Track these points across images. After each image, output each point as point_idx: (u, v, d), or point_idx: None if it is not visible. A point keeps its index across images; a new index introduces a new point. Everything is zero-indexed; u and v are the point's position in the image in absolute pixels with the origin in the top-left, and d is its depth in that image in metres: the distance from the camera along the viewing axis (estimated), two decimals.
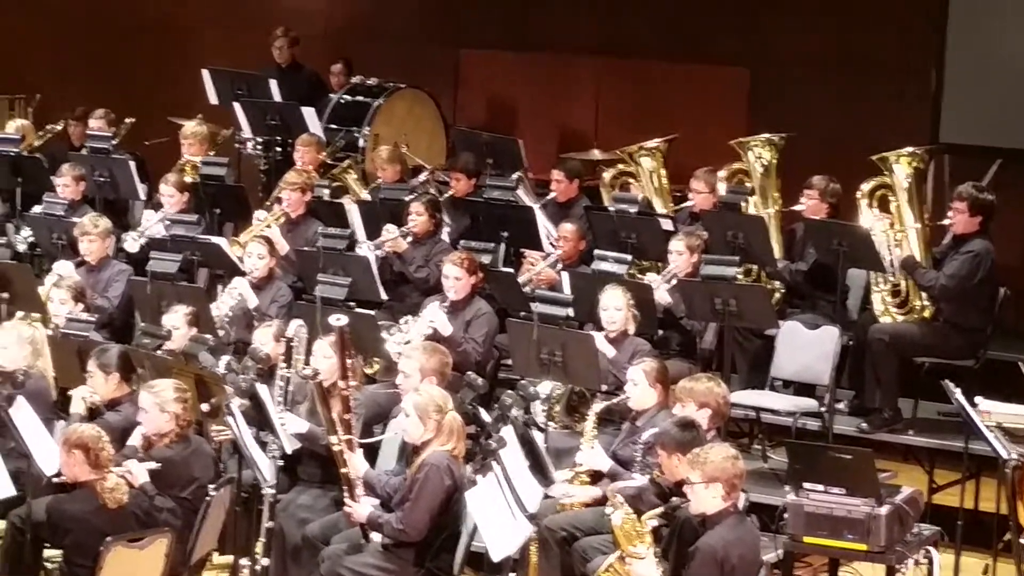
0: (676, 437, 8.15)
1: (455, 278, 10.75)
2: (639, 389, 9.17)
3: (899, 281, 11.21)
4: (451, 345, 10.32)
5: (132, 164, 13.57)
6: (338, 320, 9.01)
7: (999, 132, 12.91)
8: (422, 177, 13.53)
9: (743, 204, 12.09)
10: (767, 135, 12.44)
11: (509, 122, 15.13)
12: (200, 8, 16.41)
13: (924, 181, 11.78)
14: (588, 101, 15.16)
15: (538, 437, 9.08)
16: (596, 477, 9.09)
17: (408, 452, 8.76)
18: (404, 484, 8.47)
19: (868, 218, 11.32)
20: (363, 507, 8.54)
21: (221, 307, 10.92)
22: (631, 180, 12.90)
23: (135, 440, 8.66)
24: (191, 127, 13.96)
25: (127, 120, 14.60)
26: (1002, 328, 11.14)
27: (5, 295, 11.14)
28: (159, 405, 8.57)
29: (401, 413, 8.77)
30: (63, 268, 11.39)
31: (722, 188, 12.22)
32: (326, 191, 12.97)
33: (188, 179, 13.09)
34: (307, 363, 9.62)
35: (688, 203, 12.37)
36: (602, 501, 8.81)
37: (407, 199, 12.32)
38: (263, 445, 9.00)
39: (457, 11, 15.48)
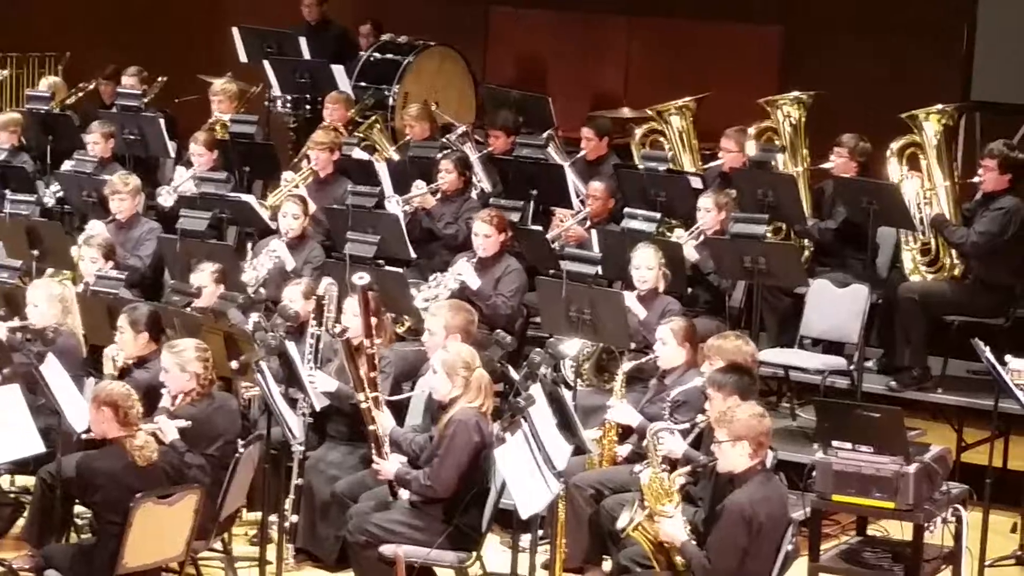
0: (735, 381, 8.13)
1: (484, 235, 10.76)
2: (668, 348, 9.15)
3: (929, 239, 11.23)
4: (480, 299, 10.39)
5: (162, 122, 13.63)
6: (361, 279, 9.04)
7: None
8: (459, 131, 13.50)
9: (772, 163, 12.07)
10: (796, 93, 12.43)
11: (539, 80, 15.12)
12: None
13: (954, 139, 11.78)
14: (618, 59, 15.15)
15: (567, 395, 9.08)
16: (625, 434, 9.10)
17: (435, 409, 8.75)
18: (432, 441, 8.49)
19: (898, 176, 11.34)
20: (391, 464, 8.55)
21: (259, 269, 10.93)
22: (662, 138, 12.89)
23: (166, 401, 8.69)
24: (220, 84, 14.00)
25: (159, 79, 14.62)
26: None
27: (35, 252, 11.20)
28: (180, 365, 8.60)
29: (429, 370, 8.79)
30: (95, 227, 11.41)
31: (751, 147, 12.19)
32: (357, 149, 12.96)
33: (218, 137, 13.10)
34: (337, 321, 9.66)
35: (717, 162, 12.36)
36: (631, 459, 8.86)
37: (437, 156, 12.32)
38: (292, 402, 9.03)
39: None
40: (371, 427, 8.62)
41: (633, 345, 9.71)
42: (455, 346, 8.78)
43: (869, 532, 8.23)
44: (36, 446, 8.37)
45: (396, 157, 13.07)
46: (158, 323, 9.40)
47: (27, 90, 15.23)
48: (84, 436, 8.37)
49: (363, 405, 8.62)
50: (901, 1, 13.60)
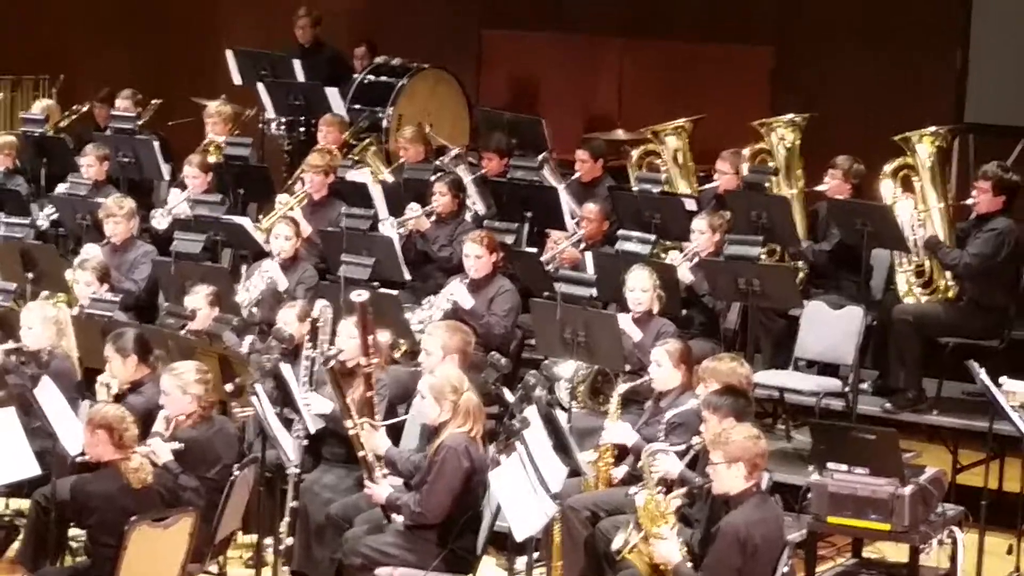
0: (730, 403, 8.14)
1: (475, 256, 10.81)
2: (663, 370, 9.16)
3: (923, 261, 11.25)
4: (474, 319, 10.41)
5: (156, 144, 13.64)
6: (359, 296, 9.15)
7: (1020, 114, 12.89)
8: (452, 153, 13.52)
9: (767, 184, 12.10)
10: (790, 116, 12.46)
11: (532, 102, 15.14)
12: None
13: (947, 161, 11.82)
14: (612, 81, 15.18)
15: (562, 417, 9.09)
16: (621, 455, 9.11)
17: (428, 432, 8.78)
18: (425, 463, 8.50)
19: (891, 198, 11.37)
20: (382, 488, 8.58)
21: (252, 290, 10.95)
22: (657, 160, 12.92)
23: (159, 425, 8.68)
24: (215, 106, 14.03)
25: (153, 101, 14.64)
26: None
27: (30, 275, 11.20)
28: (181, 387, 8.60)
29: (424, 391, 8.80)
30: (89, 250, 11.42)
31: (745, 168, 12.23)
32: (350, 171, 12.98)
33: (212, 159, 13.13)
34: (332, 343, 9.68)
35: (713, 183, 12.41)
36: (627, 481, 8.87)
37: (431, 179, 12.34)
38: (288, 424, 9.04)
39: None
40: (360, 453, 8.66)
41: (628, 367, 9.71)
42: (443, 370, 8.80)
43: (865, 554, 8.25)
44: (31, 469, 8.38)
45: (391, 179, 13.08)
46: (146, 345, 9.38)
47: (21, 113, 15.25)
48: (79, 459, 8.39)
49: (351, 432, 8.66)
50: (894, 23, 13.64)
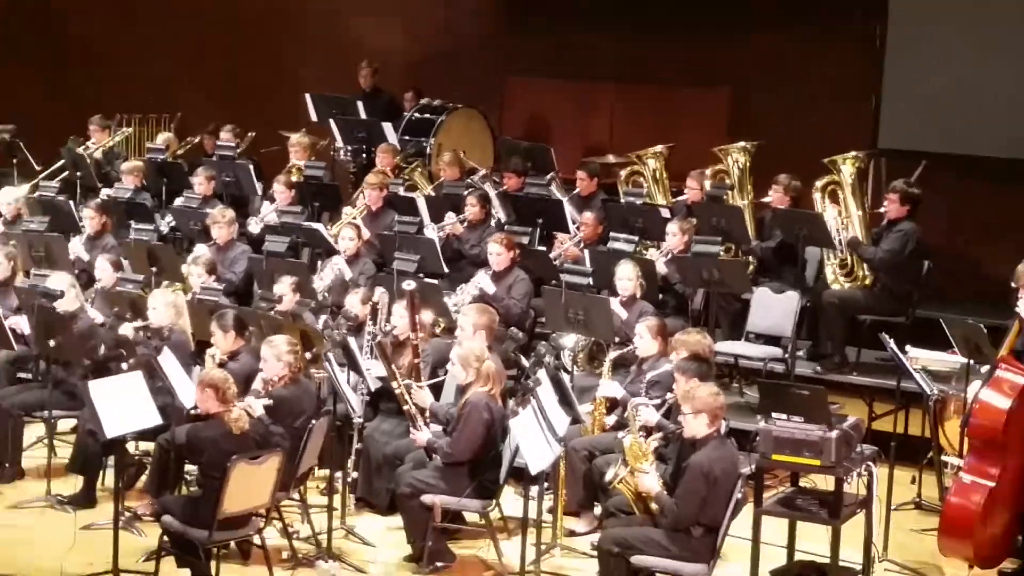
0: (696, 367, 8.22)
1: (497, 253, 10.85)
2: (644, 341, 9.18)
3: (846, 256, 11.36)
4: (496, 302, 10.41)
5: (251, 167, 13.69)
6: (408, 284, 9.30)
7: (925, 139, 12.85)
8: (481, 174, 13.51)
9: (724, 197, 12.14)
10: (742, 143, 12.54)
11: (543, 133, 15.11)
12: (304, 46, 16.42)
13: (865, 178, 11.84)
14: (605, 116, 15.15)
15: (565, 378, 9.09)
16: (612, 406, 9.10)
17: (459, 391, 8.81)
18: (456, 414, 8.54)
19: (821, 207, 11.39)
20: (423, 434, 8.61)
21: (325, 280, 10.95)
22: (640, 178, 12.94)
23: (258, 384, 8.71)
24: (296, 138, 14.04)
25: (249, 134, 14.66)
26: (927, 292, 11.12)
27: (154, 269, 11.24)
28: (276, 355, 8.62)
29: (457, 357, 8.82)
30: (200, 250, 11.45)
31: (708, 184, 12.26)
32: (401, 188, 13.00)
33: (294, 179, 13.16)
34: (387, 321, 9.72)
35: (683, 196, 12.42)
36: (616, 427, 8.87)
37: (464, 193, 12.35)
38: (357, 387, 9.07)
39: (503, 47, 15.45)
40: (405, 407, 8.70)
41: (617, 339, 9.69)
42: (469, 343, 8.87)
43: (801, 484, 8.21)
44: (155, 419, 8.38)
45: (432, 194, 13.08)
46: (242, 323, 9.41)
47: (147, 143, 15.28)
48: (192, 411, 8.39)
49: (396, 391, 8.70)
50: (824, 72, 13.59)
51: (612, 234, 11.54)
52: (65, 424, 9.77)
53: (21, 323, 9.97)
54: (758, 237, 11.80)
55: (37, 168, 14.56)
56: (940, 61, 13.01)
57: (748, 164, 12.38)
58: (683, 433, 7.76)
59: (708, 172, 12.41)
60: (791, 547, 8.22)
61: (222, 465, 7.70)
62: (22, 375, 10.09)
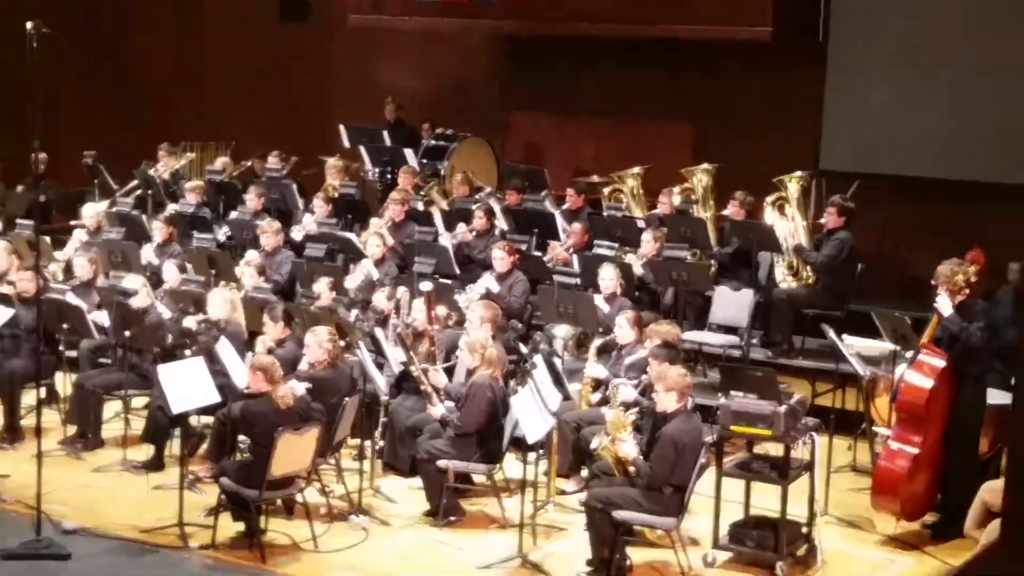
0: (667, 352, 8.27)
1: (500, 258, 10.83)
2: (623, 330, 9.20)
3: (792, 260, 11.39)
4: (500, 299, 10.39)
5: (294, 187, 13.70)
6: (426, 285, 9.46)
7: (858, 162, 12.87)
8: (486, 192, 13.51)
9: (690, 210, 12.15)
10: (704, 166, 12.60)
11: (539, 158, 15.09)
12: (338, 85, 16.42)
13: (808, 194, 11.88)
14: (591, 144, 15.12)
15: (557, 362, 9.13)
16: (597, 385, 9.11)
17: (467, 373, 8.85)
18: (466, 393, 8.56)
19: (771, 219, 11.40)
20: (438, 410, 8.65)
21: (355, 279, 10.94)
22: (621, 194, 12.96)
23: (303, 366, 8.77)
24: (333, 162, 14.04)
25: (292, 158, 14.66)
26: (860, 290, 11.14)
27: (213, 271, 11.25)
28: (318, 343, 8.67)
29: (465, 345, 8.86)
30: (251, 255, 11.46)
31: (677, 200, 12.27)
32: (420, 203, 13.00)
33: (331, 195, 13.15)
34: (408, 315, 9.75)
35: (656, 210, 12.42)
36: (600, 403, 8.87)
37: (473, 208, 12.35)
38: (380, 368, 9.08)
39: (505, 87, 15.43)
40: (422, 387, 8.74)
41: (601, 329, 9.69)
42: (475, 333, 8.92)
43: (755, 450, 8.22)
44: (214, 397, 8.40)
45: (446, 208, 13.08)
46: (289, 315, 9.48)
47: (207, 166, 15.28)
48: (245, 391, 8.41)
49: (415, 373, 8.76)
50: (772, 105, 13.57)
51: (596, 242, 11.56)
52: (138, 402, 9.78)
53: (102, 317, 9.99)
54: (718, 243, 11.80)
55: (115, 187, 14.59)
56: (870, 98, 13.03)
57: (710, 183, 12.40)
58: (656, 408, 7.78)
59: (676, 190, 12.40)
60: (747, 504, 8.23)
61: (270, 435, 7.73)
62: (102, 360, 10.11)
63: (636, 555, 7.85)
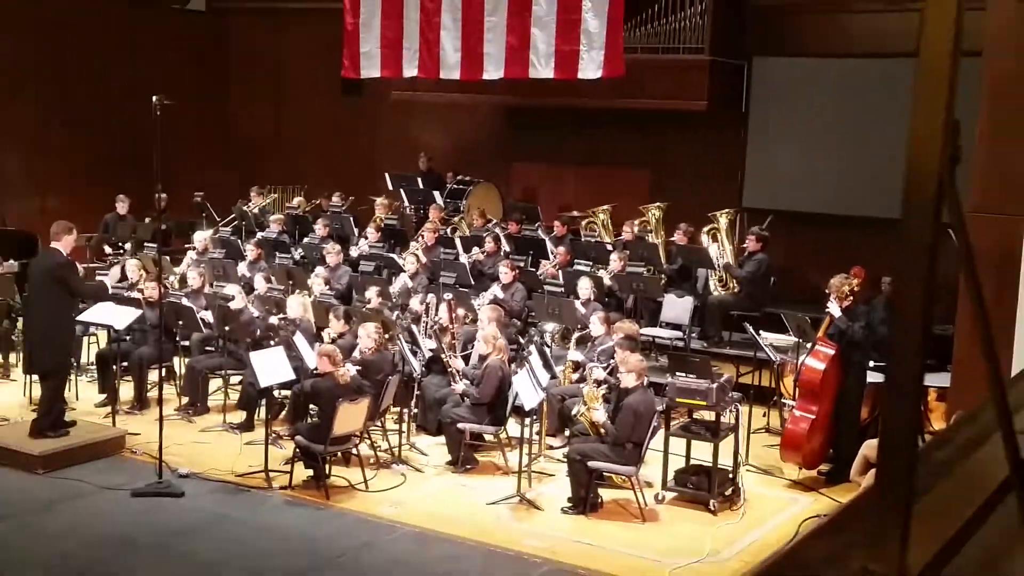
0: (629, 343, 8.23)
1: (504, 273, 10.80)
2: (596, 327, 9.19)
3: (722, 275, 11.37)
4: (503, 303, 10.39)
5: (351, 219, 13.69)
6: (448, 296, 9.49)
7: (771, 201, 12.90)
8: (495, 223, 13.52)
9: (647, 237, 12.14)
10: (657, 204, 12.60)
11: (533, 198, 15.11)
12: (384, 142, 16.44)
13: (734, 225, 11.87)
14: (572, 187, 15.13)
15: (547, 350, 9.13)
16: (576, 367, 9.12)
17: (481, 358, 8.85)
18: (480, 374, 8.54)
19: (707, 244, 11.43)
20: (459, 386, 8.66)
21: (396, 288, 10.94)
22: (595, 225, 12.98)
23: (357, 353, 8.75)
24: (380, 200, 14.07)
25: (350, 197, 14.69)
26: (772, 297, 11.14)
27: (291, 282, 11.26)
28: (367, 335, 8.68)
29: (481, 338, 8.85)
30: (319, 271, 11.45)
31: (636, 229, 12.28)
32: (445, 231, 13.01)
33: (379, 225, 13.17)
34: (436, 315, 9.75)
35: (621, 237, 12.40)
36: (579, 381, 8.87)
37: (485, 235, 12.36)
38: (414, 354, 9.09)
39: (508, 144, 15.45)
40: (449, 369, 8.75)
41: (579, 326, 9.70)
42: (489, 329, 8.91)
43: (694, 417, 8.23)
44: (291, 376, 8.41)
45: (466, 234, 13.09)
46: (347, 315, 9.48)
47: (286, 203, 15.30)
48: (314, 371, 8.42)
49: (444, 358, 8.80)
50: (707, 156, 13.60)
51: (576, 261, 11.57)
52: (235, 379, 9.79)
53: (208, 316, 10.01)
54: (667, 262, 11.78)
55: (217, 219, 14.62)
56: (779, 154, 13.11)
57: (661, 217, 12.41)
58: (620, 384, 7.80)
59: (636, 222, 12.40)
60: (688, 456, 8.25)
61: (332, 405, 7.75)
62: (208, 348, 10.12)
63: (605, 494, 7.86)
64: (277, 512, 7.63)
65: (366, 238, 12.86)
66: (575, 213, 13.73)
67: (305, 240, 13.11)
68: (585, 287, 10.22)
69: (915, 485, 0.80)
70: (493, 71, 13.08)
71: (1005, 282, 6.90)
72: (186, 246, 13.19)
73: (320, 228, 13.03)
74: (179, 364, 10.27)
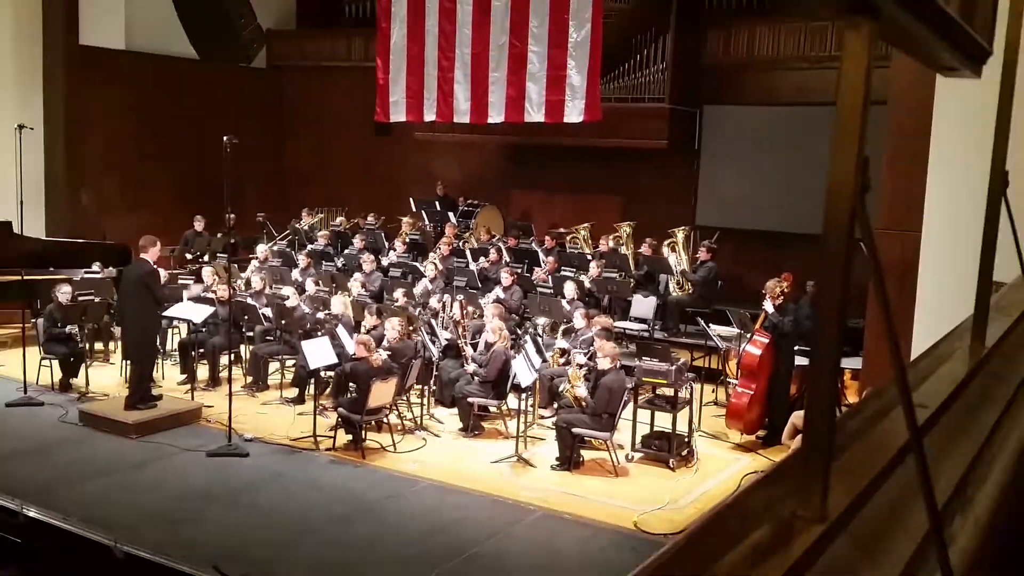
0: (605, 333, 8.22)
1: (505, 277, 10.80)
2: (578, 320, 9.18)
3: (680, 279, 11.29)
4: (504, 302, 10.36)
5: (383, 234, 13.63)
6: (460, 296, 9.37)
7: (719, 219, 12.89)
8: (498, 238, 13.49)
9: (620, 249, 12.07)
10: (628, 222, 12.53)
11: (528, 217, 15.08)
12: (409, 173, 16.41)
13: (689, 240, 11.85)
14: (559, 209, 15.10)
15: (539, 339, 9.10)
16: (562, 353, 9.09)
17: (488, 345, 8.79)
18: (486, 358, 8.50)
19: (668, 254, 11.39)
20: (470, 367, 8.62)
21: (419, 290, 10.92)
22: (577, 239, 12.95)
23: (386, 342, 8.70)
24: (406, 220, 14.01)
25: (381, 217, 14.64)
26: (720, 297, 11.09)
27: (334, 285, 11.22)
28: (393, 327, 8.64)
29: (486, 330, 8.81)
30: (356, 276, 11.40)
31: (611, 243, 12.24)
32: (458, 244, 12.97)
33: (405, 240, 13.13)
34: (451, 311, 9.72)
35: (599, 248, 12.37)
36: (565, 363, 8.85)
37: (489, 248, 12.34)
38: (433, 342, 9.07)
39: (507, 174, 15.44)
40: (463, 352, 8.69)
41: (565, 320, 9.69)
42: (493, 322, 8.87)
43: (657, 392, 8.22)
44: (334, 360, 8.40)
45: (475, 246, 13.06)
46: (380, 311, 9.44)
47: (331, 222, 15.20)
48: (353, 356, 8.39)
49: (460, 343, 8.75)
50: (667, 185, 13.59)
51: (562, 268, 11.50)
52: (289, 362, 9.79)
53: (267, 312, 9.98)
54: (636, 269, 11.75)
55: (275, 234, 14.55)
56: (725, 181, 13.08)
57: (630, 233, 12.36)
58: (598, 367, 7.78)
59: (611, 237, 12.37)
60: (652, 424, 8.23)
61: (367, 383, 7.73)
62: (268, 337, 10.08)
63: (586, 454, 7.85)
64: (323, 469, 7.61)
65: (394, 250, 12.82)
66: (562, 230, 13.72)
67: (346, 251, 13.07)
68: (570, 289, 10.21)
69: (833, 447, 0.81)
70: (496, 116, 13.09)
71: (905, 286, 6.90)
72: (250, 256, 13.16)
73: (358, 242, 12.99)
74: (244, 350, 10.25)
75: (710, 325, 9.47)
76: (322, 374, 9.06)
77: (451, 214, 14.47)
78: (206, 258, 13.10)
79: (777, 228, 12.52)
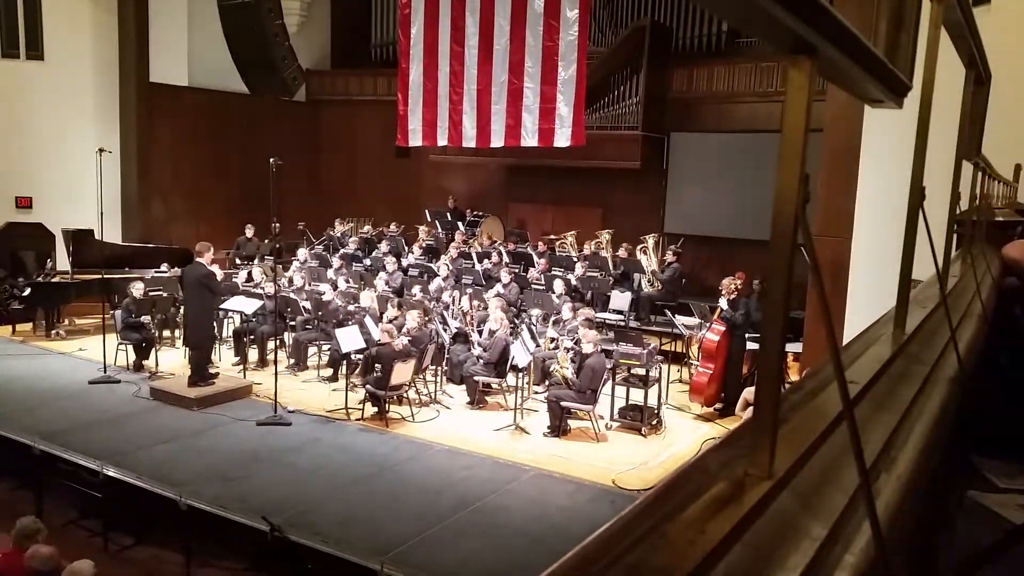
0: (589, 323, 8.24)
1: (504, 276, 10.74)
2: (566, 312, 9.14)
3: (651, 277, 11.25)
4: (504, 297, 10.32)
5: (403, 240, 13.56)
6: (467, 292, 9.17)
7: (684, 227, 12.88)
8: (499, 243, 13.45)
9: (601, 253, 12.04)
10: (607, 230, 12.50)
11: (524, 226, 15.04)
12: (424, 188, 16.36)
13: (658, 245, 11.82)
14: (550, 218, 15.06)
15: (534, 327, 9.06)
16: (553, 339, 9.07)
17: (491, 332, 8.76)
18: (490, 343, 8.47)
19: (640, 257, 11.37)
20: (476, 351, 8.58)
21: (433, 286, 10.87)
22: (566, 244, 12.91)
23: (406, 330, 8.66)
24: (422, 228, 13.94)
25: (402, 226, 14.59)
26: (684, 292, 11.09)
27: (363, 282, 11.17)
28: (413, 317, 8.60)
29: (489, 320, 8.78)
30: (380, 275, 11.37)
31: (593, 247, 12.20)
32: (466, 249, 12.93)
33: (421, 245, 13.08)
34: (459, 304, 9.68)
35: (583, 252, 12.33)
36: (555, 348, 8.83)
37: (492, 251, 12.30)
38: (445, 330, 9.04)
39: (507, 188, 15.39)
40: (470, 339, 8.62)
41: (555, 311, 9.67)
42: (496, 312, 8.81)
43: (632, 372, 8.21)
44: (362, 344, 8.37)
45: (479, 250, 13.03)
46: (401, 304, 9.40)
47: (360, 230, 15.11)
48: (378, 342, 8.36)
49: (467, 331, 8.66)
50: (640, 199, 13.56)
51: (553, 268, 11.47)
52: (325, 347, 9.76)
53: (307, 305, 9.96)
54: (614, 269, 11.73)
55: (313, 240, 14.52)
56: (690, 196, 13.04)
57: (610, 238, 12.35)
58: (582, 351, 7.77)
59: (593, 242, 12.36)
60: (627, 398, 8.23)
61: (391, 363, 7.71)
62: (307, 326, 10.06)
63: (572, 424, 7.85)
64: (353, 436, 7.60)
65: (413, 253, 12.77)
66: (552, 236, 13.70)
67: (372, 254, 13.01)
68: (559, 286, 10.19)
69: (779, 417, 0.80)
70: (497, 141, 13.08)
71: (838, 282, 6.92)
72: (292, 258, 13.13)
73: (383, 246, 12.93)
74: (288, 337, 10.22)
75: (676, 316, 9.47)
76: (352, 356, 9.05)
77: (460, 223, 14.42)
78: (256, 260, 13.08)
79: (731, 235, 12.50)
